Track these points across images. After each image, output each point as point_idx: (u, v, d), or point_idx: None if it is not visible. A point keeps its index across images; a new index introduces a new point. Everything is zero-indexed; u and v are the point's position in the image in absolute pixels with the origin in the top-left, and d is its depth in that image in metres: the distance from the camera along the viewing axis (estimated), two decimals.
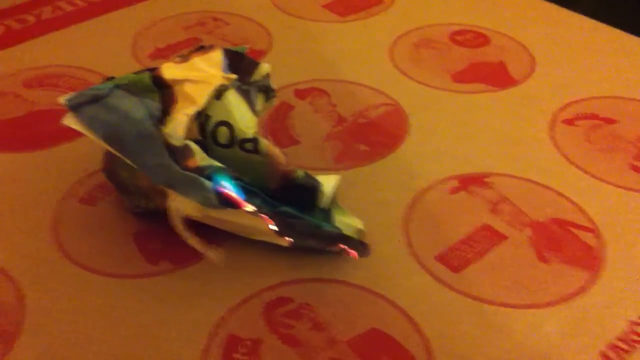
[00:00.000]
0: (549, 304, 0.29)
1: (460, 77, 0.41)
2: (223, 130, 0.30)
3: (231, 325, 0.28)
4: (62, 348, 0.27)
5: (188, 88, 0.30)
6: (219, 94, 0.30)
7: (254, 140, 0.30)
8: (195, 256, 0.31)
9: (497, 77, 0.41)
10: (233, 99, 0.30)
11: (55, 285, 0.30)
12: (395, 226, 0.32)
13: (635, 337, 0.28)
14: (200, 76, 0.31)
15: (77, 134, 0.30)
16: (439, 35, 0.45)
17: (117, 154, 0.30)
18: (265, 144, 0.30)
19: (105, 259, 0.31)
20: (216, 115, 0.30)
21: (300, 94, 0.40)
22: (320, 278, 0.30)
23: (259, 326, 0.28)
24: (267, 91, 0.32)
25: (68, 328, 0.28)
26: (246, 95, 0.31)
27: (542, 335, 0.28)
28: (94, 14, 0.47)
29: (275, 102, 0.39)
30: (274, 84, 0.33)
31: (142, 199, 0.31)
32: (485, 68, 0.42)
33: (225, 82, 0.31)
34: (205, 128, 0.30)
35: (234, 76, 0.31)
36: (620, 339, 0.28)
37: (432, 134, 0.37)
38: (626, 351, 0.27)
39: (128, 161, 0.29)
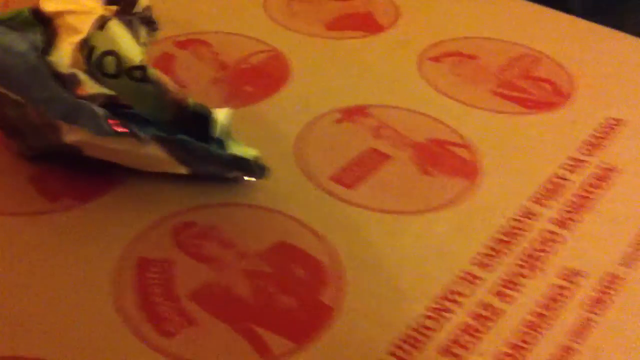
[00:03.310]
0: (437, 209, 0.32)
1: (333, 25, 0.44)
2: (109, 59, 0.30)
3: (140, 249, 0.28)
4: None
5: (70, 19, 0.30)
6: (101, 24, 0.30)
7: (142, 68, 0.30)
8: (97, 192, 0.31)
9: (367, 24, 0.44)
10: (117, 28, 0.30)
11: None
12: (288, 155, 0.34)
13: (513, 231, 0.31)
14: (80, 8, 0.31)
15: None
16: None
17: (4, 90, 0.29)
18: (154, 71, 0.30)
19: (1, 200, 0.30)
20: (101, 46, 0.30)
21: (181, 44, 0.40)
22: (222, 202, 0.31)
23: (168, 248, 0.28)
24: (149, 23, 0.32)
25: None
26: (129, 25, 0.31)
27: (434, 234, 0.30)
28: None
29: (157, 52, 0.39)
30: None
31: (34, 138, 0.31)
32: (355, 17, 0.45)
33: (107, 13, 0.30)
34: (91, 59, 0.30)
35: (114, 7, 0.31)
36: (501, 233, 0.31)
37: (313, 75, 0.39)
38: (508, 242, 0.30)
39: (16, 98, 0.29)
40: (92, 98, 0.29)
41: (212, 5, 0.45)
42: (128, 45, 0.30)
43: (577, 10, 0.48)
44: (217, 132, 0.31)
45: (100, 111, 0.29)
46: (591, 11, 0.52)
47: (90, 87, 0.29)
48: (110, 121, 0.29)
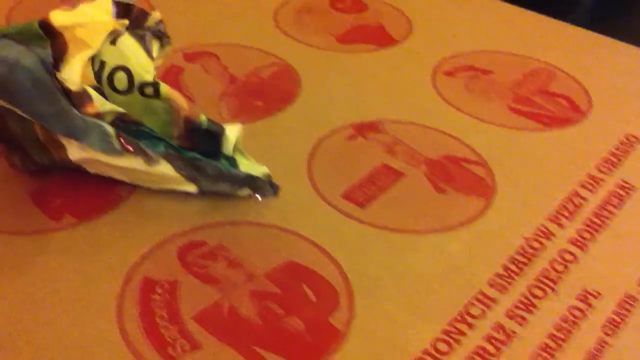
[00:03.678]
0: (451, 228, 0.31)
1: (344, 38, 0.43)
2: (120, 75, 0.29)
3: (145, 269, 0.28)
4: None
5: (80, 33, 0.29)
6: (113, 39, 0.29)
7: (154, 84, 0.29)
8: (100, 209, 0.30)
9: (379, 37, 0.43)
10: (128, 43, 0.30)
11: None
12: (299, 172, 0.33)
13: (530, 250, 0.30)
14: (91, 22, 0.30)
15: None
16: (320, 3, 0.46)
17: (9, 106, 0.28)
18: (166, 88, 0.29)
19: (2, 218, 0.29)
20: (112, 61, 0.29)
21: (190, 57, 0.40)
22: (231, 221, 0.30)
23: (174, 268, 0.28)
24: (162, 37, 0.32)
25: None
26: (141, 40, 0.30)
27: (448, 254, 0.29)
28: None
29: (165, 65, 0.39)
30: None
31: (38, 153, 0.30)
32: (367, 30, 0.44)
33: (118, 27, 0.30)
34: (101, 75, 0.29)
35: (126, 21, 0.30)
36: (518, 253, 0.30)
37: (324, 89, 0.39)
38: (524, 263, 0.29)
39: (22, 113, 0.28)
40: (102, 116, 0.28)
41: (221, 17, 0.44)
42: (140, 60, 0.30)
43: (582, 20, 0.47)
44: (229, 149, 0.31)
45: (109, 129, 0.28)
46: (596, 20, 0.51)
47: (101, 104, 0.28)
48: (120, 139, 0.28)
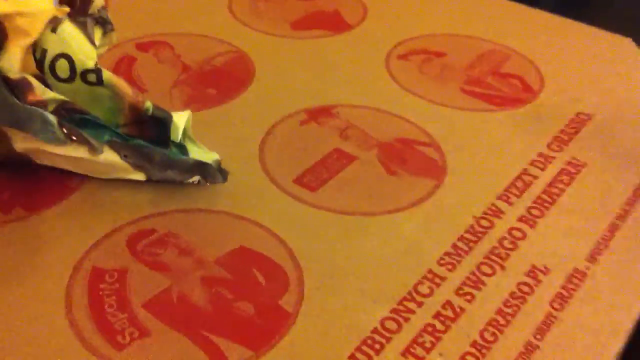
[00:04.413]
0: (403, 208, 0.31)
1: (299, 25, 0.43)
2: (62, 63, 0.29)
3: (94, 258, 0.27)
4: None
5: (19, 21, 0.29)
6: (54, 26, 0.29)
7: (97, 71, 0.29)
8: (50, 201, 0.30)
9: (333, 23, 0.43)
10: (70, 30, 0.29)
11: None
12: (251, 158, 0.33)
13: (479, 229, 0.30)
14: (31, 9, 0.30)
15: None
16: None
17: None
18: (109, 75, 0.29)
19: None
20: (53, 49, 0.29)
21: (142, 47, 0.40)
22: (182, 209, 0.30)
23: (123, 257, 0.28)
24: (104, 24, 0.31)
25: None
26: (83, 27, 0.30)
27: (400, 235, 0.30)
28: None
29: (117, 55, 0.39)
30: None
31: None
32: (322, 16, 0.44)
33: (59, 15, 0.30)
34: (43, 63, 0.29)
35: (67, 8, 0.30)
36: (468, 232, 0.30)
37: (278, 76, 0.38)
38: (474, 241, 0.30)
39: None
40: (44, 104, 0.28)
41: (174, 6, 0.44)
42: (81, 47, 0.30)
43: (548, 6, 0.47)
44: (177, 136, 0.31)
45: (52, 118, 0.28)
46: (562, 6, 0.51)
47: (42, 92, 0.28)
48: (63, 128, 0.28)
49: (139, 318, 0.25)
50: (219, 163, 0.31)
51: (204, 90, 0.37)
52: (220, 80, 0.38)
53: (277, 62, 0.40)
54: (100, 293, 0.26)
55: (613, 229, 0.31)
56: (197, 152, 0.31)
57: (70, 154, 0.28)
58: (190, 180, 0.31)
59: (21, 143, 0.28)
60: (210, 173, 0.30)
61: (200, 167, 0.30)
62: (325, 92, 0.38)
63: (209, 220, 0.30)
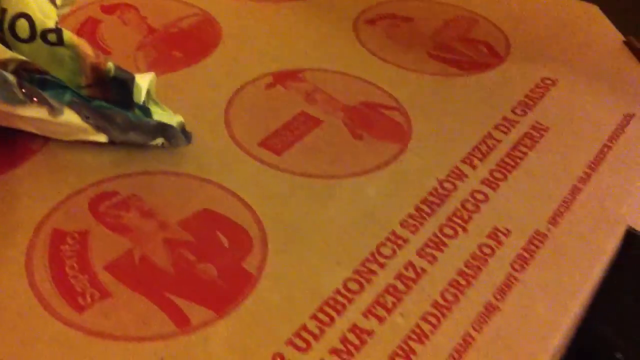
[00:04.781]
0: (368, 172, 0.31)
1: None
2: (22, 22, 0.28)
3: (55, 221, 0.27)
4: None
5: None
6: None
7: (57, 31, 0.28)
8: (11, 163, 0.29)
9: None
10: None
11: None
12: (217, 121, 0.33)
13: (442, 192, 0.30)
14: None
15: None
16: None
17: None
18: (70, 35, 0.29)
19: None
20: (12, 8, 0.28)
21: (107, 9, 0.39)
22: (146, 171, 0.30)
23: (85, 219, 0.27)
24: None
25: None
26: None
27: (365, 198, 0.30)
28: None
29: (82, 17, 0.38)
30: None
31: None
32: None
33: None
34: (2, 23, 0.28)
35: None
36: (431, 194, 0.30)
37: (245, 40, 0.38)
38: (436, 204, 0.30)
39: None
40: (3, 64, 0.28)
41: None
42: (41, 7, 0.29)
43: None
44: (140, 97, 0.30)
45: (11, 77, 0.27)
46: None
47: (1, 52, 0.28)
48: (23, 88, 0.27)
49: (100, 279, 0.25)
50: (182, 125, 0.31)
51: (170, 53, 0.37)
52: (186, 43, 0.37)
53: (244, 26, 0.39)
54: (61, 255, 0.26)
55: (575, 192, 0.31)
56: (161, 115, 0.31)
57: (30, 114, 0.28)
58: (154, 143, 0.30)
59: None
60: (174, 135, 0.30)
61: (164, 130, 0.30)
62: (292, 56, 0.37)
63: (173, 183, 0.30)
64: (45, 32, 0.28)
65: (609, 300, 0.29)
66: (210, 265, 0.26)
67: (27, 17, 0.28)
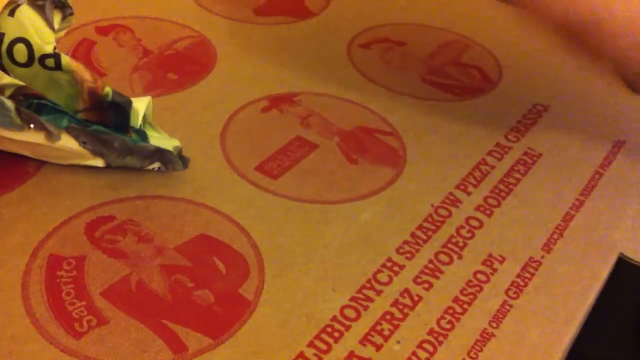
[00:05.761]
0: (363, 197, 0.31)
1: (262, 11, 0.43)
2: (20, 47, 0.28)
3: (52, 246, 0.27)
4: None
5: None
6: (11, 9, 0.28)
7: (55, 56, 0.28)
8: (6, 186, 0.29)
9: (296, 10, 0.43)
10: (28, 13, 0.29)
11: None
12: (212, 145, 0.33)
13: (437, 218, 0.31)
14: None
15: None
16: None
17: None
18: (68, 59, 0.29)
19: None
20: (11, 33, 0.28)
21: (102, 30, 0.39)
22: (142, 195, 0.30)
23: (81, 244, 0.27)
24: (64, 7, 0.31)
25: None
26: (41, 10, 0.29)
27: (361, 223, 0.30)
28: None
29: (76, 38, 0.38)
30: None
31: None
32: (285, 2, 0.44)
33: None
34: (0, 47, 0.28)
35: None
36: (426, 221, 0.30)
37: (240, 62, 0.38)
38: (432, 230, 0.30)
39: None
40: (1, 89, 0.28)
41: None
42: (40, 31, 0.29)
43: None
44: (137, 121, 0.30)
45: (9, 103, 0.27)
46: None
47: None
48: (21, 114, 0.27)
49: (97, 306, 0.25)
50: (179, 150, 0.31)
51: (165, 75, 0.37)
52: (181, 65, 0.38)
53: (239, 48, 0.39)
54: (58, 281, 0.26)
55: (567, 218, 0.31)
56: (157, 138, 0.31)
57: (27, 139, 0.28)
58: (150, 167, 0.30)
59: None
60: (171, 160, 0.30)
61: (161, 154, 0.30)
62: (287, 80, 0.38)
63: (169, 207, 0.30)
64: (43, 57, 0.28)
65: (600, 324, 0.30)
66: (207, 292, 0.26)
67: (25, 41, 0.28)
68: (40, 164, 0.30)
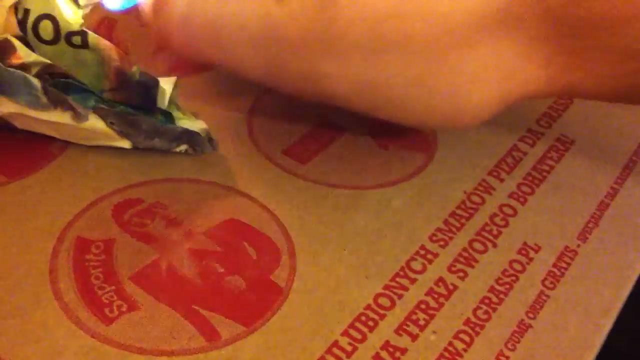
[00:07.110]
0: (394, 183, 0.30)
1: None
2: (46, 24, 0.28)
3: (79, 228, 0.27)
4: None
5: None
6: None
7: (82, 33, 0.28)
8: (31, 167, 0.29)
9: None
10: None
11: None
12: (239, 128, 0.32)
13: (470, 205, 0.30)
14: None
15: None
16: None
17: None
18: (95, 37, 0.28)
19: None
20: (36, 9, 0.28)
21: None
22: (170, 178, 0.29)
23: (109, 227, 0.27)
24: None
25: None
26: None
27: (391, 210, 0.29)
28: None
29: (98, 16, 0.37)
30: None
31: None
32: None
33: None
34: (26, 24, 0.28)
35: None
36: (459, 208, 0.30)
37: None
38: (465, 217, 0.29)
39: None
40: (27, 67, 0.27)
41: None
42: (66, 8, 0.28)
43: None
44: (164, 102, 0.30)
45: (36, 81, 0.27)
46: None
47: (25, 54, 0.27)
48: (48, 93, 0.27)
49: (127, 291, 0.25)
50: (207, 132, 0.30)
51: None
52: None
53: None
54: (86, 264, 0.25)
55: (602, 207, 0.31)
56: (183, 120, 0.30)
57: (54, 119, 0.27)
58: (178, 150, 0.30)
59: (3, 107, 0.27)
60: (199, 142, 0.29)
61: (189, 136, 0.29)
62: None
63: (197, 191, 0.29)
64: (69, 35, 0.28)
65: (626, 314, 0.29)
66: (238, 278, 0.26)
67: (51, 18, 0.28)
68: (65, 145, 0.30)
